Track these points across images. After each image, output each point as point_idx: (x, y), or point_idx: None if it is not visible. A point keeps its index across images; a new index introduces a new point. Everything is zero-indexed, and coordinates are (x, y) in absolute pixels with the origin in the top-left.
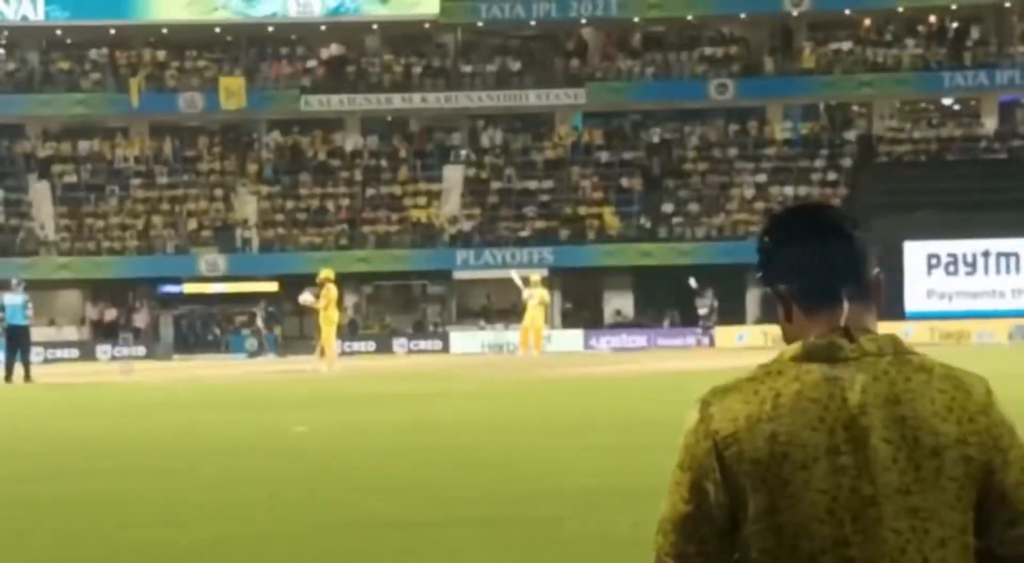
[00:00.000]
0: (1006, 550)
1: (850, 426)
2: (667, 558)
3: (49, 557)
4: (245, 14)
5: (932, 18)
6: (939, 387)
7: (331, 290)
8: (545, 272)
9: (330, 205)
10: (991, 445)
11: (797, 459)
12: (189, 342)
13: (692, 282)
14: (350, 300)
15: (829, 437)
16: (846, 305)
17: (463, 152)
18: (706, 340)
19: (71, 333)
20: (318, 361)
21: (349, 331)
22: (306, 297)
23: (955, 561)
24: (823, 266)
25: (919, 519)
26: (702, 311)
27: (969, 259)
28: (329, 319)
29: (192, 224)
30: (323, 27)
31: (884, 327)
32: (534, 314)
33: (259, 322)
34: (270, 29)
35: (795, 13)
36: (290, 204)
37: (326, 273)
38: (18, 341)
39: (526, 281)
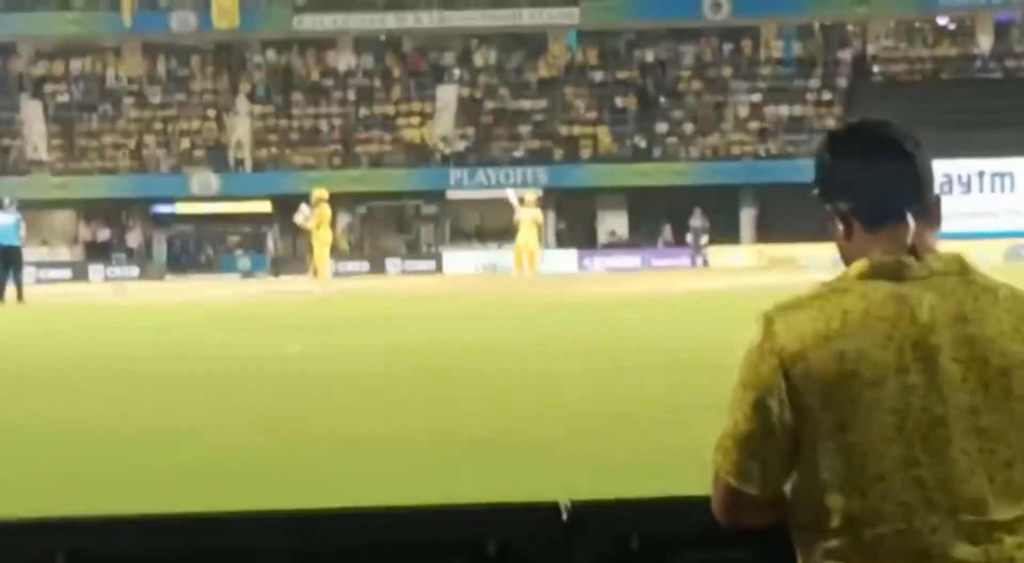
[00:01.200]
0: None
1: (919, 345)
2: (727, 476)
3: (39, 479)
4: None
5: None
6: (1006, 307)
7: (324, 209)
8: (539, 192)
9: (323, 125)
10: None
11: (866, 377)
12: (182, 262)
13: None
14: (343, 220)
15: (898, 355)
16: (912, 224)
17: (456, 72)
18: (700, 261)
19: (64, 253)
20: (311, 281)
21: (343, 252)
22: (301, 215)
23: (1020, 482)
24: (887, 184)
25: (987, 440)
26: (693, 227)
27: (964, 179)
28: (322, 239)
29: (185, 144)
30: None
31: None
32: (527, 234)
33: (270, 242)
34: None
35: None
36: (283, 124)
37: (319, 192)
38: (10, 261)
39: (521, 201)
